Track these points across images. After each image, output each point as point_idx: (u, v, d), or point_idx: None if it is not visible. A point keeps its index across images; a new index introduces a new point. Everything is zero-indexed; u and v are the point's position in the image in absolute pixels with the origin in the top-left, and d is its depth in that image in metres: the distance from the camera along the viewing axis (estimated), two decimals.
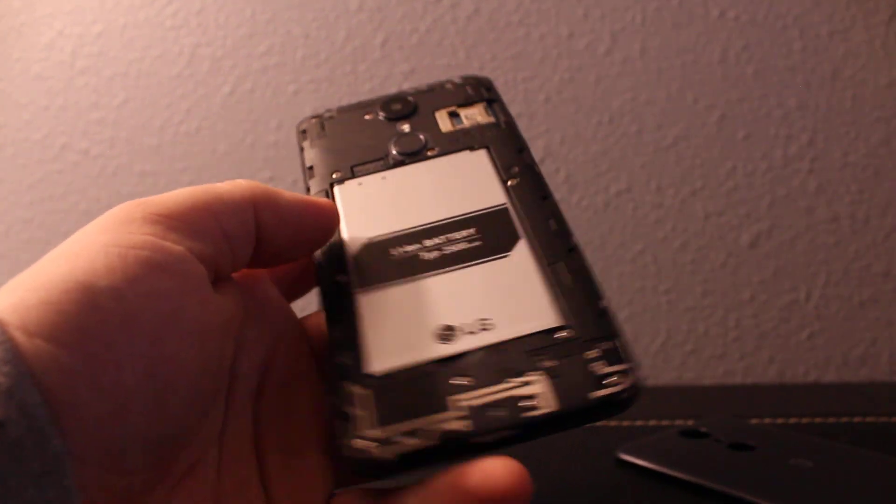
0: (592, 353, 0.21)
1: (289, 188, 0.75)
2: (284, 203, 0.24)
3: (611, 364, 0.20)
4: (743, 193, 0.63)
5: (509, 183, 0.27)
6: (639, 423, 0.45)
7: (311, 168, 0.30)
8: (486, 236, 0.25)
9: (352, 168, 0.29)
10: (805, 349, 0.63)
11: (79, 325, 0.17)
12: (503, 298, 0.23)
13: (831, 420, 0.44)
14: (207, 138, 0.67)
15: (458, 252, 0.25)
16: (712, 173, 0.63)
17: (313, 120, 0.33)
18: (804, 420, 0.44)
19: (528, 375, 0.20)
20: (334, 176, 0.29)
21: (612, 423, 0.45)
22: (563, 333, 0.21)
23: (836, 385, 0.61)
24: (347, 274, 0.25)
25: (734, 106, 0.63)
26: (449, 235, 0.25)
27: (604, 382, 0.20)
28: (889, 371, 0.62)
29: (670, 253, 0.64)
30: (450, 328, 0.22)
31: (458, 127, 0.30)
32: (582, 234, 0.68)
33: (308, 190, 0.29)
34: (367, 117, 0.32)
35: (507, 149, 0.28)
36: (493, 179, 0.27)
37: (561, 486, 0.34)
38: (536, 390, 0.20)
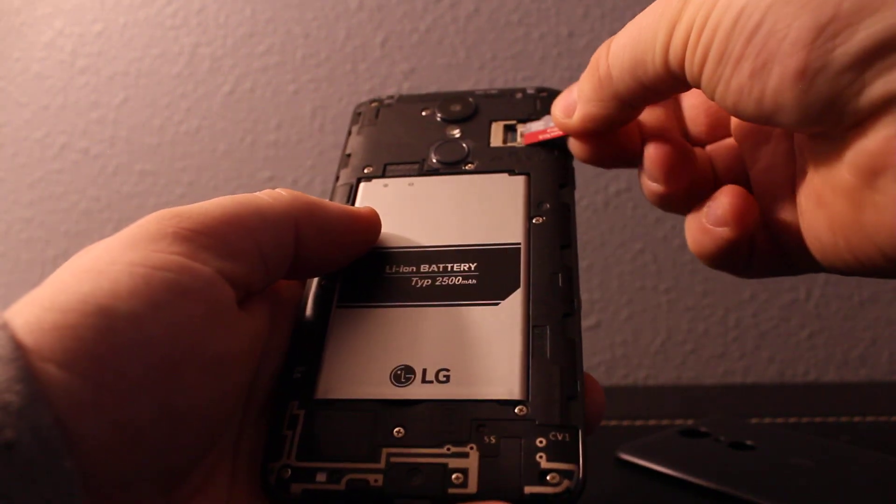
0: (540, 441, 0.19)
1: (288, 188, 0.74)
2: (327, 217, 0.23)
3: (555, 459, 0.19)
4: None
5: (534, 221, 0.25)
6: (639, 422, 0.45)
7: (348, 156, 0.28)
8: (485, 276, 0.23)
9: (385, 166, 0.28)
10: (805, 349, 0.63)
11: (94, 352, 0.16)
12: (472, 352, 0.21)
13: (831, 420, 0.44)
14: (207, 137, 0.67)
15: (450, 287, 0.23)
16: None
17: (372, 104, 0.31)
18: (804, 420, 0.44)
19: (465, 446, 0.19)
20: (365, 171, 0.28)
21: (612, 423, 0.45)
22: (519, 410, 0.20)
23: (836, 385, 0.61)
24: (335, 283, 0.24)
25: None
26: (448, 265, 0.24)
27: (541, 479, 0.18)
28: (889, 371, 0.62)
29: (670, 253, 0.64)
30: (409, 370, 0.21)
31: (510, 144, 0.28)
32: (582, 233, 0.68)
33: (337, 179, 0.28)
34: (423, 113, 0.30)
35: (548, 181, 0.26)
36: (519, 213, 0.25)
37: None
38: (465, 465, 0.19)
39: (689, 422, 0.42)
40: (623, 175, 0.64)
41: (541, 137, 0.27)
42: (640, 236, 0.64)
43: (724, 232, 0.23)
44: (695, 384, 0.63)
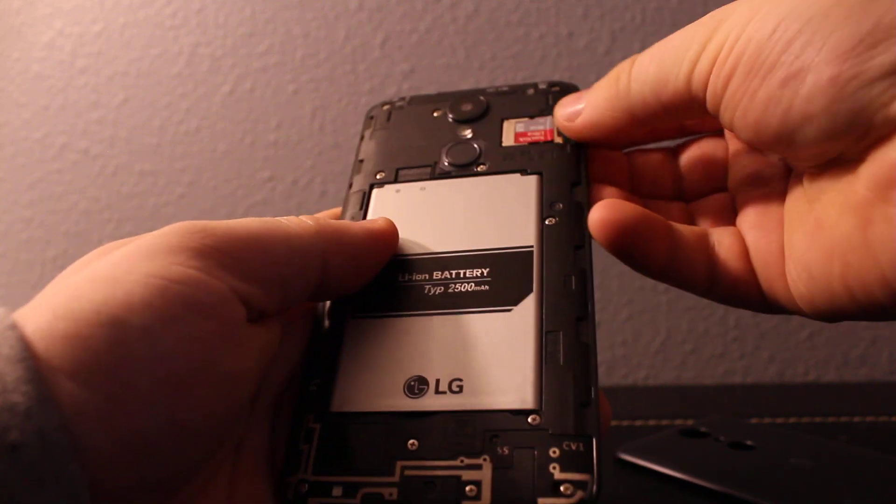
0: (554, 452, 0.19)
1: (288, 188, 0.74)
2: (351, 242, 0.22)
3: (569, 469, 0.18)
4: None
5: (547, 221, 0.24)
6: (639, 423, 0.45)
7: (361, 162, 0.28)
8: (498, 282, 0.23)
9: (397, 171, 0.27)
10: (805, 349, 0.63)
11: (104, 364, 0.16)
12: (485, 360, 0.21)
13: (831, 420, 0.44)
14: (207, 138, 0.67)
15: (463, 294, 0.23)
16: None
17: (384, 107, 0.30)
18: (804, 420, 0.44)
19: (478, 458, 0.19)
20: (377, 177, 0.27)
21: (613, 423, 0.45)
22: (532, 419, 0.19)
23: (836, 385, 0.61)
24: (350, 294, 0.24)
25: None
26: (461, 272, 0.23)
27: (555, 490, 0.18)
28: (889, 371, 0.62)
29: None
30: (422, 381, 0.21)
31: (522, 143, 0.27)
32: None
33: (350, 185, 0.28)
34: (435, 114, 0.29)
35: (561, 179, 0.25)
36: (532, 214, 0.24)
37: None
38: (479, 477, 0.19)
39: (689, 422, 0.42)
40: None
41: (529, 139, 0.27)
42: None
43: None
44: (695, 384, 0.63)
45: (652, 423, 0.44)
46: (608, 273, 0.64)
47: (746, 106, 0.21)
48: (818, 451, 0.36)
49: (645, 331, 0.64)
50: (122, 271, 0.18)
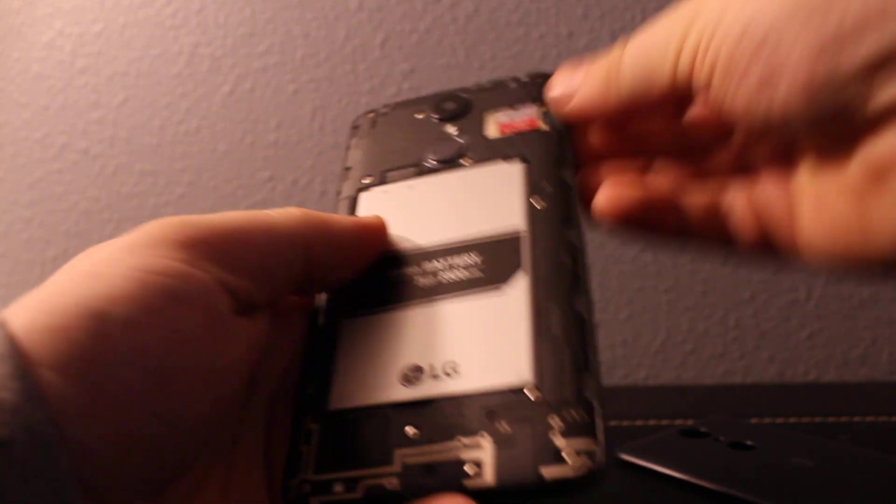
0: (556, 422, 0.18)
1: (288, 188, 0.74)
2: (336, 232, 0.23)
3: (573, 438, 0.18)
4: None
5: (536, 205, 0.24)
6: (639, 423, 0.45)
7: (348, 169, 0.28)
8: (489, 266, 0.23)
9: (384, 173, 0.27)
10: (805, 349, 0.63)
11: (87, 356, 0.16)
12: (480, 341, 0.21)
13: (831, 420, 0.44)
14: (207, 138, 0.67)
15: (455, 281, 0.23)
16: None
17: (368, 116, 0.31)
18: (804, 420, 0.44)
19: (478, 437, 0.19)
20: (364, 181, 0.27)
21: (612, 423, 0.45)
22: (531, 394, 0.19)
23: (836, 385, 0.61)
24: (341, 294, 0.24)
25: None
26: (451, 260, 0.23)
27: (558, 459, 0.18)
28: (889, 371, 0.62)
29: (670, 253, 0.64)
30: (418, 369, 0.21)
31: (506, 133, 0.27)
32: None
33: (339, 193, 0.28)
34: (418, 116, 0.29)
35: (547, 163, 0.26)
36: (520, 198, 0.25)
37: None
38: (480, 457, 0.18)
39: (689, 422, 0.42)
40: None
41: (513, 129, 0.27)
42: None
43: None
44: (695, 384, 0.63)
45: (652, 423, 0.44)
46: (608, 273, 0.64)
47: (730, 105, 0.21)
48: (818, 451, 0.36)
49: (645, 331, 0.64)
50: (104, 266, 0.18)
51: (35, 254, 0.69)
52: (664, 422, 0.44)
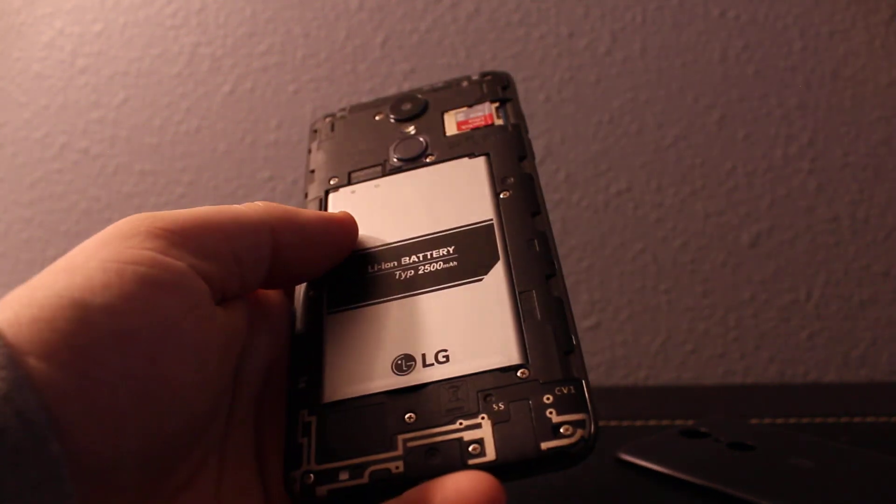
0: (547, 398, 0.19)
1: (288, 187, 0.74)
2: (303, 223, 0.23)
3: (565, 412, 0.19)
4: (743, 193, 0.63)
5: (501, 195, 0.25)
6: (639, 423, 0.45)
7: (312, 172, 0.29)
8: (465, 256, 0.24)
9: (349, 174, 0.28)
10: (805, 349, 0.63)
11: (71, 343, 0.16)
12: (466, 328, 0.22)
13: (831, 420, 0.44)
14: (207, 137, 0.67)
15: (433, 273, 0.24)
16: (712, 173, 0.63)
17: (326, 119, 0.32)
18: (804, 420, 0.44)
19: (476, 417, 0.19)
20: (331, 182, 0.28)
21: (612, 423, 0.45)
22: (521, 373, 0.20)
23: (836, 385, 0.61)
24: (322, 291, 0.24)
25: (734, 106, 0.63)
26: (427, 253, 0.24)
27: (554, 432, 0.19)
28: (889, 371, 0.62)
29: (670, 253, 0.64)
30: (409, 358, 0.22)
31: (464, 130, 0.28)
32: (582, 233, 0.68)
33: (306, 196, 0.28)
34: (377, 118, 0.30)
35: (508, 156, 0.27)
36: (486, 191, 0.26)
37: (561, 485, 0.34)
38: (480, 436, 0.19)
39: (689, 422, 0.42)
40: (623, 175, 0.64)
41: (470, 126, 0.28)
42: (640, 236, 0.64)
43: None
44: (695, 384, 0.63)
45: (652, 423, 0.44)
46: (608, 273, 0.64)
47: None
48: (818, 451, 0.36)
49: (645, 331, 0.64)
50: (79, 261, 0.18)
51: (35, 254, 0.69)
52: (664, 422, 0.44)
